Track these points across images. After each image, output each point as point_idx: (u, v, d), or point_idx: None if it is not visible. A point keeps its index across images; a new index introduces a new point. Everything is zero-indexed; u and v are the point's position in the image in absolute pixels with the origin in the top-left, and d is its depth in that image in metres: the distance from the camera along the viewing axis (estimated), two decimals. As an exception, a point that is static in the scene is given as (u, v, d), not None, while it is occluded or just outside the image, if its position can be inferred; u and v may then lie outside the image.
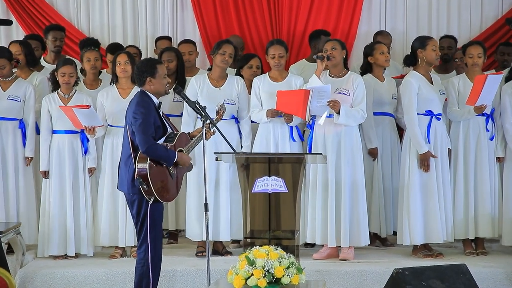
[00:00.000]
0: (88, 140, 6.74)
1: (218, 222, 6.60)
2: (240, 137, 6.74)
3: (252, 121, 6.81)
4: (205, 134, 5.57)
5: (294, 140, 6.68)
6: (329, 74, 6.59)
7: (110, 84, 6.83)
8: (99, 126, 6.58)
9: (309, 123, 6.64)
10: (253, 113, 6.73)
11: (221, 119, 6.10)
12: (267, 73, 6.83)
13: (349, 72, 6.63)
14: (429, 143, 6.49)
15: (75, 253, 6.73)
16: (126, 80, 6.67)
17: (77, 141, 6.73)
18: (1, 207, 6.82)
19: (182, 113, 6.99)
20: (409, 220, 6.52)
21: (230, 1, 8.42)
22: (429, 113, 6.52)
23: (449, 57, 7.67)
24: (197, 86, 6.65)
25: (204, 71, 7.31)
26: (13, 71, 6.97)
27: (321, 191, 6.47)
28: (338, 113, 6.35)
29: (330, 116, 6.43)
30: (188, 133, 5.80)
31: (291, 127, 6.68)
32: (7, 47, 7.37)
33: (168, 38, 8.29)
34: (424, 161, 6.46)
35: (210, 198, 6.43)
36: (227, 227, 6.61)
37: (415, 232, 6.51)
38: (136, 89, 6.42)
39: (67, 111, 6.50)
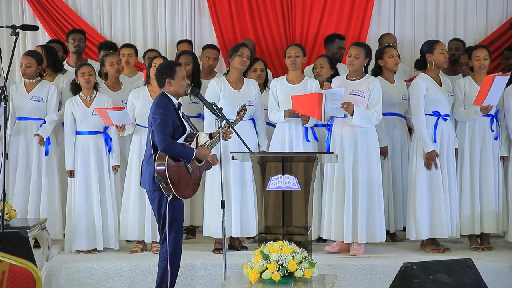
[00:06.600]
0: (111, 139, 6.89)
1: (248, 219, 6.66)
2: (257, 137, 6.83)
3: (266, 123, 6.93)
4: (224, 135, 5.69)
5: (308, 140, 6.81)
6: (346, 77, 6.69)
7: (144, 85, 6.96)
8: (129, 124, 6.71)
9: (327, 123, 6.74)
10: (271, 113, 6.85)
11: (241, 119, 6.17)
12: (284, 76, 6.97)
13: (367, 75, 6.69)
14: (435, 142, 6.58)
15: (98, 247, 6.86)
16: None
17: (101, 140, 6.88)
18: (28, 204, 7.00)
19: (198, 114, 7.17)
20: (415, 216, 6.63)
21: (245, 7, 8.55)
22: (436, 113, 6.61)
23: (456, 58, 7.75)
24: (219, 89, 6.70)
25: (220, 75, 7.38)
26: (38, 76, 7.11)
27: (339, 189, 6.55)
28: (352, 114, 6.45)
29: (344, 117, 6.55)
30: (210, 133, 5.88)
31: (306, 128, 6.81)
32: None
33: (189, 42, 8.42)
34: (430, 160, 6.56)
35: (236, 195, 6.60)
36: (253, 223, 6.64)
37: (421, 228, 6.62)
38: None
39: (101, 113, 6.66)
